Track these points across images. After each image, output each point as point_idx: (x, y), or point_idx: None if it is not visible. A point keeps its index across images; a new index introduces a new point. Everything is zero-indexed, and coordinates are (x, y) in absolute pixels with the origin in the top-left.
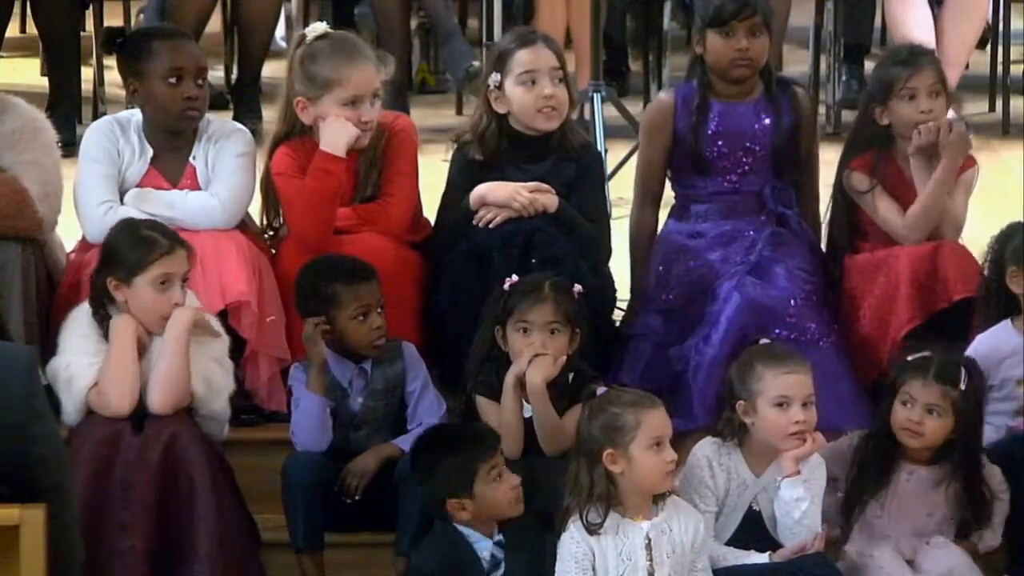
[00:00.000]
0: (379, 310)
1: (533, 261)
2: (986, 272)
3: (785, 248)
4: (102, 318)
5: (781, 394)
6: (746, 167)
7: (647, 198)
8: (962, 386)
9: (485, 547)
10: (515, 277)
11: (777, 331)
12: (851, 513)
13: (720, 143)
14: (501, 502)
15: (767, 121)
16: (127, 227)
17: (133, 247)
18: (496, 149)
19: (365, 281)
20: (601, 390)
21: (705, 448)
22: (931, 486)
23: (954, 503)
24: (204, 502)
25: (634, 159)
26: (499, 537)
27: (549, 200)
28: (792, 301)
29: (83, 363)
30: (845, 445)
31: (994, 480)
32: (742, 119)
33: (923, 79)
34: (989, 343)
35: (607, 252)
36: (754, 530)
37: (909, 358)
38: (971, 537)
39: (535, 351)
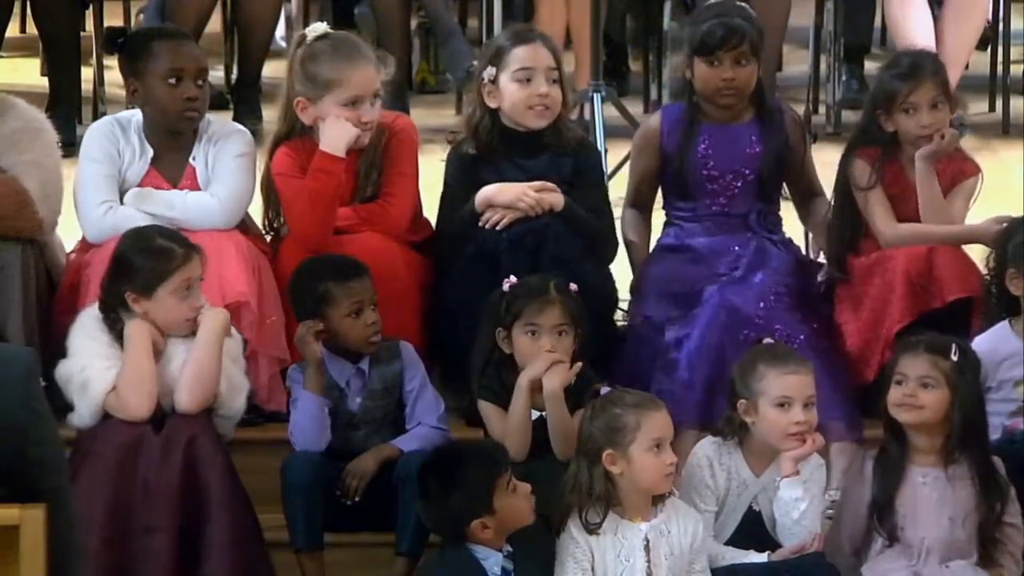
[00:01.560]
0: (373, 307)
1: (542, 261)
2: (990, 265)
3: (767, 255)
4: (113, 323)
5: (782, 394)
6: (735, 190)
7: (637, 201)
8: (953, 357)
9: (495, 562)
10: (513, 279)
11: (746, 332)
12: (881, 524)
13: (711, 165)
14: (519, 513)
15: (759, 148)
16: (140, 239)
17: (149, 260)
18: (489, 143)
19: (357, 278)
20: (605, 390)
21: (705, 448)
22: (947, 485)
23: (973, 496)
24: (219, 502)
25: None
26: (507, 548)
27: (555, 199)
28: (762, 303)
29: (98, 367)
30: (857, 466)
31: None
32: (733, 142)
33: (923, 94)
34: (987, 344)
35: (613, 247)
36: (753, 530)
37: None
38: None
39: (546, 354)
